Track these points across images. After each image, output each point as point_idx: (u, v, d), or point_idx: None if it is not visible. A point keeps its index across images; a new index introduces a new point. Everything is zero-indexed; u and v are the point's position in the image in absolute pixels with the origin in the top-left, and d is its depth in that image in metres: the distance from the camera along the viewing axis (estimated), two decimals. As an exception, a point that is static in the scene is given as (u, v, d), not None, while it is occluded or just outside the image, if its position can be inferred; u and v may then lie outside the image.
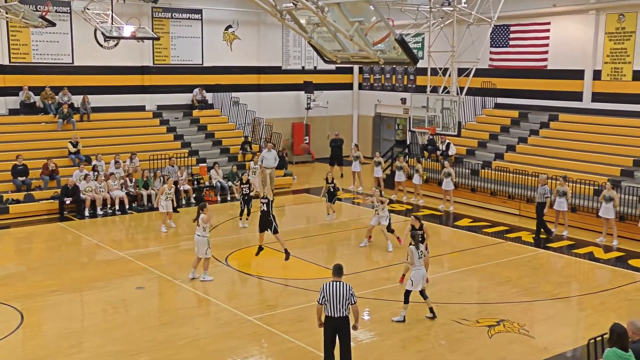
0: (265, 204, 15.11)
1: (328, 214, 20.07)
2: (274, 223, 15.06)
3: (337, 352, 9.71)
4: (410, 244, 12.18)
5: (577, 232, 18.44)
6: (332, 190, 19.97)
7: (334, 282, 9.47)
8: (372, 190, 17.61)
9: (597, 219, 18.44)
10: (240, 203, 18.93)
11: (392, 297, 13.37)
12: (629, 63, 22.79)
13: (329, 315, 9.47)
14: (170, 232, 18.45)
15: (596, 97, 23.72)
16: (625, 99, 22.73)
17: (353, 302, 9.45)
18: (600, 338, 8.34)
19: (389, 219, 16.96)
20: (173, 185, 18.91)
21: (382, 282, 14.57)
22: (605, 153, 21.13)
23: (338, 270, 9.61)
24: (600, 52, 23.52)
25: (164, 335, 11.55)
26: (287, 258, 15.03)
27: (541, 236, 18.10)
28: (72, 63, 25.20)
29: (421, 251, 12.17)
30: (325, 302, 9.44)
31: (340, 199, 21.02)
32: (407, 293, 12.13)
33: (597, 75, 23.67)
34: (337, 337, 9.62)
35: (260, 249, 15.44)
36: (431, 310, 12.33)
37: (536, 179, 20.33)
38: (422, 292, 12.21)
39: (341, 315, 9.42)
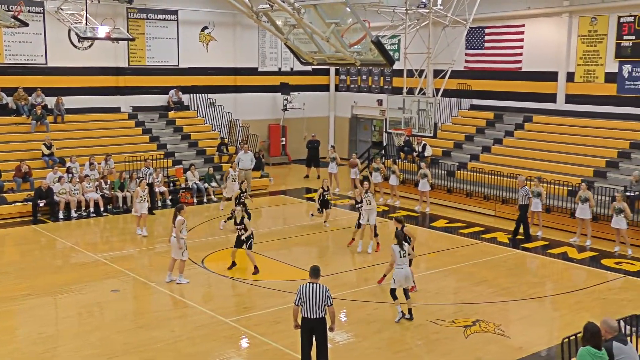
0: (242, 229, 14.93)
1: (312, 214, 19.99)
2: (251, 239, 14.96)
3: (313, 353, 9.71)
4: (397, 243, 12.26)
5: (551, 233, 18.63)
6: (325, 197, 19.38)
7: (311, 284, 9.49)
8: (354, 191, 17.57)
9: (571, 219, 18.68)
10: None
11: (370, 298, 13.41)
12: (601, 65, 23.09)
13: (305, 316, 9.49)
14: (147, 233, 18.26)
15: (570, 98, 24.00)
16: (597, 101, 23.03)
17: (329, 304, 9.46)
18: (574, 337, 8.42)
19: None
20: (147, 187, 18.60)
21: (360, 284, 14.61)
22: (579, 154, 21.38)
23: (315, 272, 9.64)
24: (573, 55, 23.81)
25: (139, 338, 11.46)
26: (255, 273, 14.90)
27: (517, 237, 18.19)
28: (46, 64, 24.91)
29: (404, 250, 12.20)
30: (301, 304, 9.45)
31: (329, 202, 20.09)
32: (392, 291, 12.24)
33: (570, 77, 23.96)
34: (313, 338, 9.63)
35: (234, 264, 15.28)
36: (409, 311, 12.39)
37: (511, 179, 20.56)
38: (405, 292, 12.30)
39: (317, 316, 9.44)
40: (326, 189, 19.38)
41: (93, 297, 13.65)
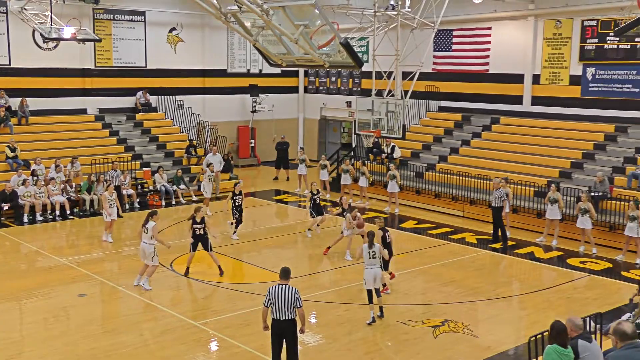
0: (202, 228, 14.90)
1: (310, 229, 18.53)
2: (209, 242, 14.95)
3: (284, 355, 9.70)
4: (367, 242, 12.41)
5: (518, 233, 18.85)
6: (317, 201, 18.42)
7: (280, 285, 9.47)
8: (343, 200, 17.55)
9: (538, 219, 18.96)
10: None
11: (340, 300, 13.43)
12: (565, 68, 23.46)
13: (275, 318, 9.47)
14: (115, 237, 18.04)
15: (535, 100, 24.34)
16: (563, 103, 23.39)
17: (299, 306, 9.44)
18: (540, 335, 8.53)
19: None
20: (114, 192, 18.25)
21: (330, 285, 14.62)
22: (545, 155, 21.68)
23: (285, 274, 9.62)
24: (539, 57, 24.15)
25: (107, 342, 11.32)
26: (221, 274, 14.88)
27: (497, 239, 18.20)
28: (9, 65, 24.47)
29: (373, 251, 12.24)
30: (271, 305, 9.44)
31: (320, 208, 18.79)
32: (368, 292, 12.29)
33: (536, 79, 24.30)
34: (284, 340, 9.62)
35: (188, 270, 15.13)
36: (380, 310, 12.49)
37: (479, 180, 20.78)
38: (376, 291, 12.37)
39: (287, 318, 9.42)
40: (315, 192, 18.54)
41: (59, 301, 13.46)
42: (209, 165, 21.92)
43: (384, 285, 13.53)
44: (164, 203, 22.42)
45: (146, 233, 13.84)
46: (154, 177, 22.96)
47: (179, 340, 11.47)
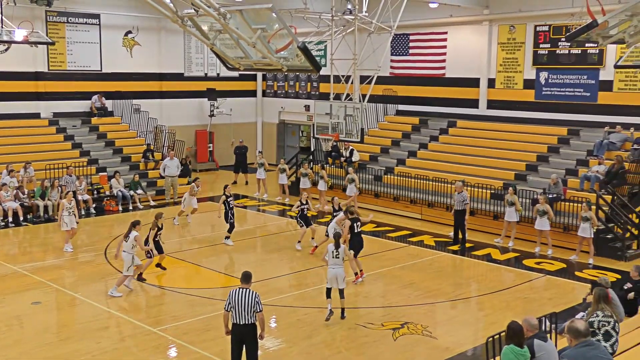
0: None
1: (299, 241, 17.53)
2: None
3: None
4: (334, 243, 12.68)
5: (475, 235, 19.09)
6: (305, 212, 17.57)
7: (241, 289, 9.45)
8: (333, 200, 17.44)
9: (494, 221, 19.26)
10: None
11: (300, 304, 13.41)
12: (520, 72, 23.90)
13: (235, 322, 9.43)
14: (71, 243, 17.70)
15: (491, 104, 24.74)
16: (517, 106, 23.82)
17: (258, 310, 9.40)
18: (498, 336, 8.65)
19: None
20: (73, 199, 17.61)
21: (289, 289, 14.59)
22: (501, 158, 22.03)
23: (245, 277, 9.61)
24: (493, 61, 24.56)
25: (62, 351, 11.10)
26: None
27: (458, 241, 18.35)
28: (-41, 68, 23.89)
29: (337, 252, 12.43)
30: (231, 309, 9.40)
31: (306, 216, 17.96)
32: (327, 289, 12.49)
33: (491, 83, 24.69)
34: (244, 345, 9.57)
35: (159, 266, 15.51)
36: (342, 311, 12.56)
37: (437, 183, 20.99)
38: (340, 292, 12.50)
39: (247, 322, 9.38)
40: (304, 202, 17.63)
41: (12, 309, 13.13)
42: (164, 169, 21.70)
43: (358, 272, 14.74)
44: (120, 208, 22.10)
45: (127, 242, 13.78)
46: (111, 182, 22.62)
47: (137, 347, 11.31)
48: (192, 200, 20.28)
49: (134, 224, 14.01)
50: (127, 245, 13.83)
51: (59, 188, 20.94)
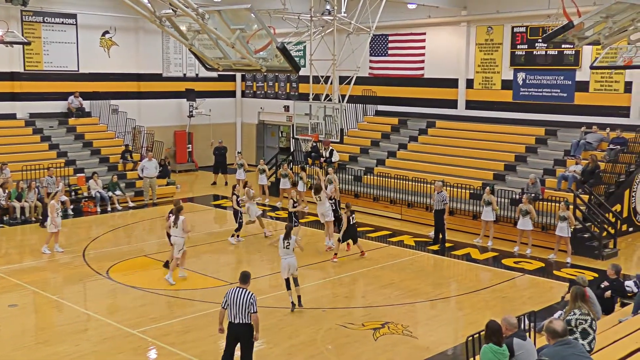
0: None
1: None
2: None
3: (224, 362, 9.62)
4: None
5: (455, 235, 19.19)
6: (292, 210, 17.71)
7: (239, 289, 9.63)
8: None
9: (473, 221, 19.38)
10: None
11: (280, 305, 13.39)
12: (497, 73, 24.09)
13: (231, 320, 9.59)
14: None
15: (470, 104, 24.91)
16: (495, 107, 24.02)
17: (253, 311, 9.46)
18: (477, 335, 8.71)
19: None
20: (60, 200, 17.34)
21: (270, 290, 14.55)
22: (479, 158, 22.19)
23: (244, 278, 9.82)
24: (472, 62, 24.73)
25: (40, 354, 10.98)
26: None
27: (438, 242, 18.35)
28: None
29: (288, 242, 12.87)
30: (227, 307, 9.57)
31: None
32: (285, 281, 13.03)
33: (470, 84, 24.86)
34: (236, 346, 9.72)
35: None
36: (299, 298, 12.95)
37: (416, 184, 21.07)
38: (295, 280, 12.95)
39: (241, 322, 9.50)
40: (295, 200, 18.02)
41: (-11, 313, 12.98)
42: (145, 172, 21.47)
43: (335, 254, 16.30)
44: (99, 209, 21.92)
45: (177, 227, 14.54)
46: (89, 183, 22.41)
47: (117, 349, 11.22)
48: (253, 207, 18.83)
49: (179, 209, 14.78)
50: (177, 230, 14.58)
51: (37, 189, 20.72)
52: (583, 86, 22.09)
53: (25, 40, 22.79)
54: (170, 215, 15.00)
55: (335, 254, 16.65)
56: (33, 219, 20.43)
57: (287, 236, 12.97)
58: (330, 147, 24.27)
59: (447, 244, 18.23)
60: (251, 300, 9.46)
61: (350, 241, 17.19)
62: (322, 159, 24.39)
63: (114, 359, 10.87)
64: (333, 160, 24.20)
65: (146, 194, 23.33)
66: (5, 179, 21.17)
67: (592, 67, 20.08)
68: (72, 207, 21.51)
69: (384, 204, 22.05)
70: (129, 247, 17.88)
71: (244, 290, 9.59)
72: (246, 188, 18.81)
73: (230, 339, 9.69)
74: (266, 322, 12.53)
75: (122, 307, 13.62)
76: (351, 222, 16.63)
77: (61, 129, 25.70)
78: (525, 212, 17.45)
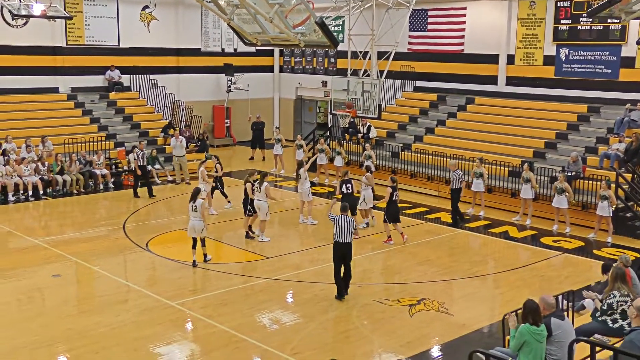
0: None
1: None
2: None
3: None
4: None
5: (492, 212, 19.03)
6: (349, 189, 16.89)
7: (343, 216, 12.17)
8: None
9: (512, 199, 19.16)
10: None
11: (316, 279, 13.48)
12: (539, 48, 23.60)
13: (338, 240, 12.11)
14: (90, 217, 17.87)
15: (510, 81, 24.47)
16: (536, 83, 23.55)
17: (353, 232, 12.28)
18: (514, 313, 8.65)
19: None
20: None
21: (305, 265, 14.65)
22: (519, 135, 21.84)
23: (344, 207, 12.45)
24: (513, 38, 24.24)
25: (82, 323, 11.26)
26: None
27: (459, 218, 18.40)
28: (-22, 42, 23.99)
29: (195, 206, 13.88)
30: (336, 231, 12.09)
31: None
32: (193, 240, 14.21)
33: (510, 59, 24.40)
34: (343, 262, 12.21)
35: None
36: (204, 256, 14.30)
37: (455, 161, 20.85)
38: (202, 240, 14.21)
39: (346, 241, 12.14)
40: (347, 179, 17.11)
41: (33, 282, 13.33)
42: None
43: (389, 237, 16.14)
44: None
45: (259, 193, 15.65)
46: (129, 157, 22.70)
47: (155, 321, 11.44)
48: (367, 191, 17.80)
49: (264, 175, 15.95)
50: (260, 195, 15.65)
51: (77, 162, 21.10)
52: (629, 62, 21.50)
53: (68, 15, 23.05)
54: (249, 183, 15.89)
55: (389, 236, 16.08)
56: (74, 191, 20.82)
57: (192, 199, 13.91)
58: (368, 123, 24.16)
59: (484, 222, 18.06)
60: (354, 224, 12.29)
61: (399, 224, 16.17)
62: (359, 135, 24.32)
63: (152, 330, 11.08)
64: (371, 136, 24.12)
65: (177, 173, 22.96)
66: (48, 151, 21.60)
67: (638, 43, 19.52)
68: (112, 180, 21.86)
69: (422, 181, 21.93)
70: (168, 220, 18.13)
71: (346, 217, 12.16)
72: (366, 174, 17.81)
73: (337, 254, 12.17)
74: (302, 296, 12.66)
75: (160, 279, 13.86)
76: (393, 198, 16.00)
77: (102, 103, 26.06)
78: (561, 189, 17.19)
